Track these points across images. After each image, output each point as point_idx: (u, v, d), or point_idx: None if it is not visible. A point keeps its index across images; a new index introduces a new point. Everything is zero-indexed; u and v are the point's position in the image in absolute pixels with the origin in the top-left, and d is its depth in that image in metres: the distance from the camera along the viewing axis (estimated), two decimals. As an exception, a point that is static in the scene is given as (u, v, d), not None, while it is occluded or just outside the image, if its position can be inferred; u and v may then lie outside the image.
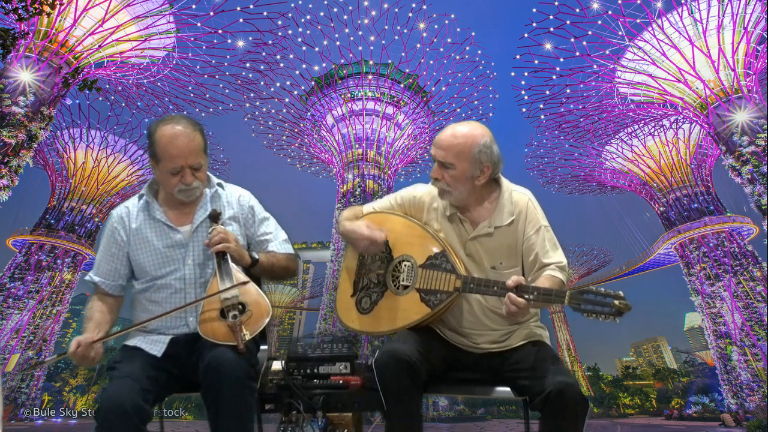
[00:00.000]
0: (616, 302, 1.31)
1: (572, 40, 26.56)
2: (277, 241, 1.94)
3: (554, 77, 29.26)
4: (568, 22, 26.15)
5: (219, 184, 1.93)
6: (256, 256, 1.80)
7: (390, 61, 33.42)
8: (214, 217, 1.77)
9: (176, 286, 1.74)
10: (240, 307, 1.59)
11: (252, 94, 33.24)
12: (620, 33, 25.66)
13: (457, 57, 33.72)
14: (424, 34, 32.27)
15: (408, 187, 2.02)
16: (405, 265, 1.80)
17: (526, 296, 1.44)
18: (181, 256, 1.77)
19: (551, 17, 26.20)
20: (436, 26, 32.32)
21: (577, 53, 27.18)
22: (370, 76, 33.84)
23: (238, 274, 1.68)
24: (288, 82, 33.59)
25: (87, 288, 1.90)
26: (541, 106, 31.60)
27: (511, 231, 1.74)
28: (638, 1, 24.66)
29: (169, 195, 1.80)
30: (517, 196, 1.78)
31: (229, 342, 1.52)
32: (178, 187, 1.72)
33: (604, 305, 1.33)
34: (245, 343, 1.52)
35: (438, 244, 1.76)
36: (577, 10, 25.54)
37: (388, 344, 1.65)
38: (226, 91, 31.14)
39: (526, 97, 31.15)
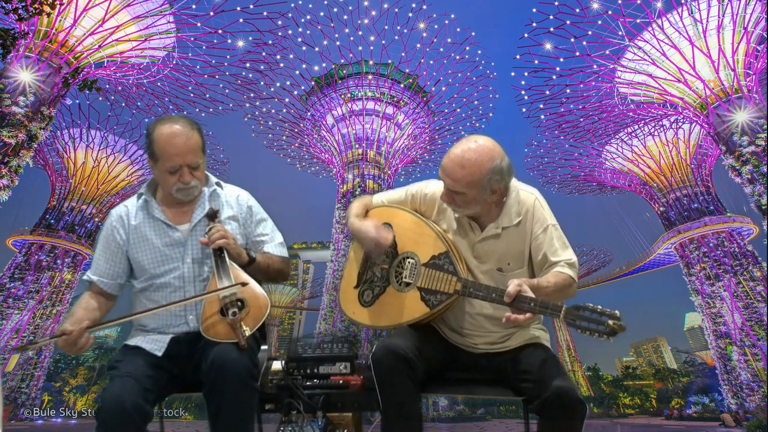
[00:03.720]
0: (611, 322, 1.31)
1: (572, 40, 26.57)
2: (273, 243, 1.95)
3: (554, 77, 29.26)
4: (568, 22, 26.16)
5: (217, 184, 1.94)
6: (254, 255, 1.81)
7: (390, 61, 33.43)
8: (212, 216, 1.78)
9: (175, 284, 1.75)
10: (239, 303, 1.60)
11: (252, 94, 33.24)
12: (620, 33, 25.66)
13: (457, 57, 33.76)
14: (424, 34, 32.32)
15: (421, 182, 1.99)
16: (409, 263, 1.80)
17: (524, 307, 1.43)
18: (179, 254, 1.77)
19: (551, 17, 26.22)
20: (436, 26, 32.38)
21: (577, 53, 27.19)
22: (370, 76, 33.85)
23: (237, 272, 1.68)
24: (288, 82, 33.62)
25: (86, 288, 1.88)
26: (541, 106, 31.61)
27: (519, 231, 1.73)
28: (638, 1, 24.67)
29: (167, 194, 1.80)
30: (524, 195, 1.76)
31: (230, 339, 1.53)
32: (176, 186, 1.73)
33: (599, 323, 1.33)
34: (246, 339, 1.53)
35: (443, 245, 1.75)
36: (577, 10, 25.57)
37: (385, 340, 1.65)
38: (226, 91, 31.17)
39: (526, 97, 31.17)
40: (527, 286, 1.46)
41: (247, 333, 1.55)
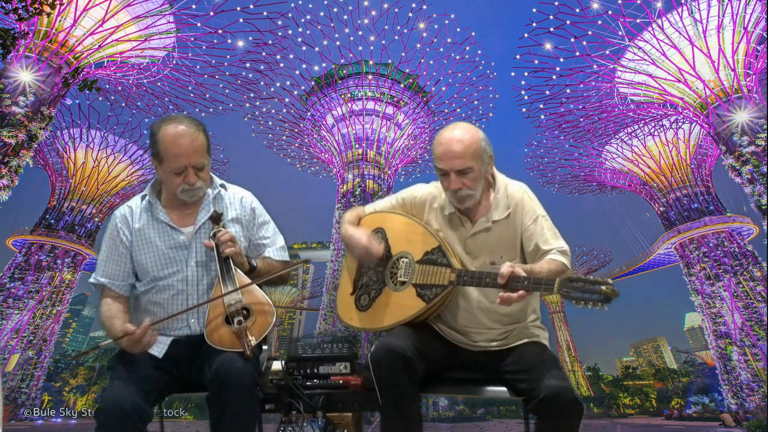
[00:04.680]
0: (604, 288, 1.32)
1: (572, 40, 26.55)
2: (274, 247, 1.93)
3: (554, 77, 29.24)
4: (568, 22, 26.14)
5: (222, 185, 1.93)
6: (255, 263, 1.80)
7: (390, 61, 33.41)
8: (216, 219, 1.77)
9: (178, 287, 1.73)
10: (244, 312, 1.59)
11: (252, 94, 33.23)
12: (620, 33, 25.65)
13: (457, 57, 33.74)
14: (424, 34, 32.30)
15: (409, 187, 2.02)
16: (403, 262, 1.82)
17: (519, 286, 1.44)
18: (183, 257, 1.76)
19: (551, 17, 26.20)
20: (436, 26, 32.36)
21: (577, 53, 27.17)
22: (370, 76, 33.83)
23: (242, 279, 1.67)
24: (288, 82, 33.60)
25: (87, 288, 1.86)
26: (541, 106, 31.58)
27: (509, 224, 1.75)
28: (638, 1, 24.66)
29: (171, 195, 1.79)
30: (512, 189, 1.79)
31: (235, 348, 1.52)
32: (181, 187, 1.71)
33: (593, 292, 1.33)
34: (252, 349, 1.52)
35: (435, 240, 1.77)
36: (577, 10, 25.55)
37: (384, 339, 1.65)
38: (226, 91, 31.15)
39: (526, 97, 31.15)
40: (520, 269, 1.47)
41: (253, 343, 1.53)
